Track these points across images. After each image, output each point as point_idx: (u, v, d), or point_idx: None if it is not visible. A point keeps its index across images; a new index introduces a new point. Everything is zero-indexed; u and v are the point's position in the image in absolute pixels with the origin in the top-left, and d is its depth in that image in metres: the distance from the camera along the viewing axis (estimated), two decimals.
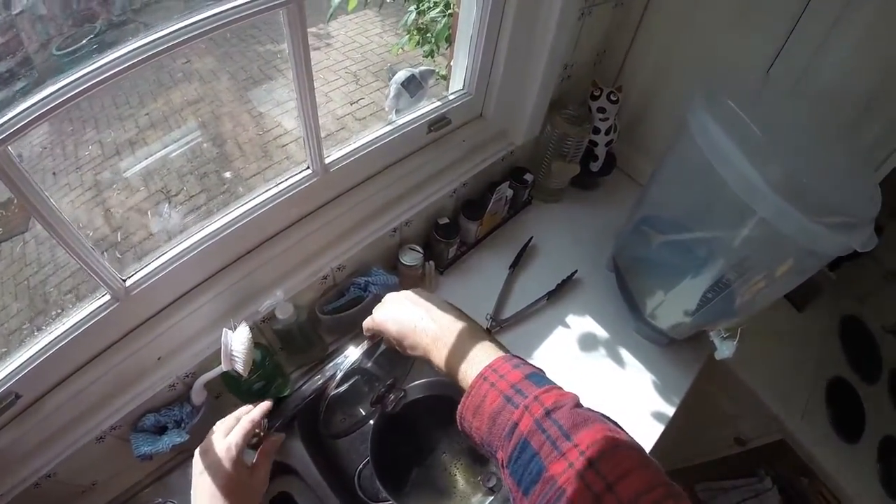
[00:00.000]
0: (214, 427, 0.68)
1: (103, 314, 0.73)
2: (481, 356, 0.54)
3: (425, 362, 0.60)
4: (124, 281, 0.74)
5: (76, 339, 0.72)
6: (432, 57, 1.74)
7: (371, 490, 0.89)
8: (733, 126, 0.76)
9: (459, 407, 0.51)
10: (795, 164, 0.76)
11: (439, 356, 0.58)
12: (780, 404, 1.18)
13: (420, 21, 1.79)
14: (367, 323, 0.67)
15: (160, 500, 0.86)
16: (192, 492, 0.63)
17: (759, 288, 0.91)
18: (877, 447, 1.22)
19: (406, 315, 0.62)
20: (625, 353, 1.07)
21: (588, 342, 1.07)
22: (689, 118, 0.83)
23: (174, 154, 1.50)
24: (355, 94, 2.03)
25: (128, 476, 0.87)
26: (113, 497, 0.85)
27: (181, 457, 0.89)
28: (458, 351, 0.57)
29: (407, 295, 0.65)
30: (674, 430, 1.44)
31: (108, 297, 0.74)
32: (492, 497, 0.90)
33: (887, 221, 1.32)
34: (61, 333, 0.71)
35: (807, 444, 1.16)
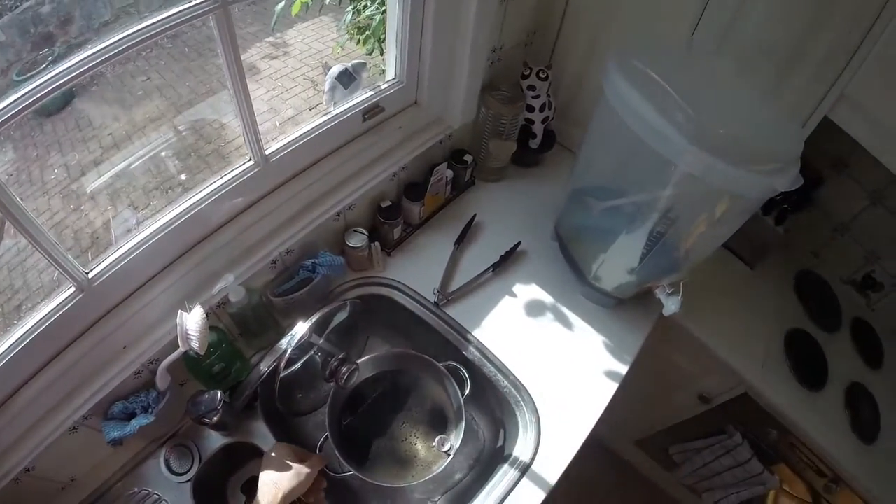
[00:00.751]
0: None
1: (69, 305, 0.83)
2: None
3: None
4: (87, 273, 0.84)
5: (44, 332, 0.81)
6: (374, 54, 1.85)
7: (332, 464, 0.96)
8: (648, 87, 0.84)
9: None
10: (714, 118, 0.82)
11: None
12: (738, 358, 1.26)
13: (358, 20, 1.90)
14: None
15: (136, 489, 0.95)
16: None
17: (695, 239, 1.00)
18: (843, 394, 1.30)
19: None
20: (574, 318, 1.16)
21: (536, 309, 1.17)
22: (604, 82, 0.91)
23: (139, 171, 1.60)
24: (314, 100, 2.15)
25: (104, 469, 0.95)
26: (91, 491, 0.93)
27: (152, 446, 0.98)
28: None
29: None
30: (641, 397, 1.54)
31: (73, 290, 0.83)
32: (449, 459, 0.99)
33: (830, 173, 1.40)
34: (30, 328, 0.80)
35: (769, 395, 1.24)
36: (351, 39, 1.91)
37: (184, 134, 1.71)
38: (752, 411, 1.30)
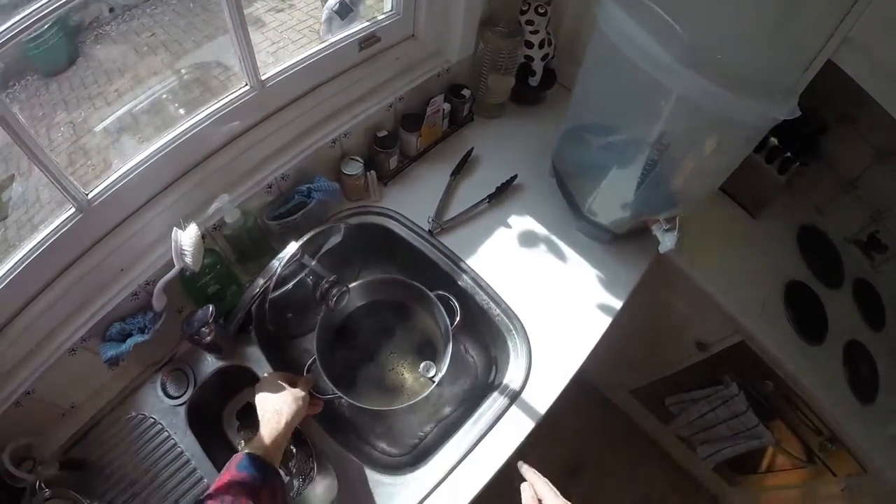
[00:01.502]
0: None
1: (69, 226, 0.86)
2: None
3: None
4: (87, 194, 0.86)
5: (44, 253, 0.84)
6: None
7: (316, 386, 0.97)
8: (642, 13, 0.84)
9: None
10: (712, 44, 0.82)
11: None
12: (737, 305, 1.26)
13: None
14: None
15: (133, 413, 0.98)
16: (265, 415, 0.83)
17: (690, 171, 1.01)
18: (841, 351, 1.30)
19: None
20: (569, 251, 1.18)
21: (531, 241, 1.19)
22: (597, 9, 0.92)
23: (141, 113, 1.61)
24: None
25: (102, 395, 0.99)
26: (90, 417, 0.97)
27: (149, 371, 1.01)
28: None
29: None
30: (638, 343, 1.55)
31: (72, 210, 0.86)
32: (433, 385, 1.01)
33: (836, 127, 1.39)
34: (30, 249, 0.84)
35: (767, 344, 1.24)
36: None
37: (185, 77, 1.72)
38: (749, 362, 1.31)
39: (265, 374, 0.91)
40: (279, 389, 0.86)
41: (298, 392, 0.86)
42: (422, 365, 1.03)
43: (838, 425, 1.21)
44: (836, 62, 1.05)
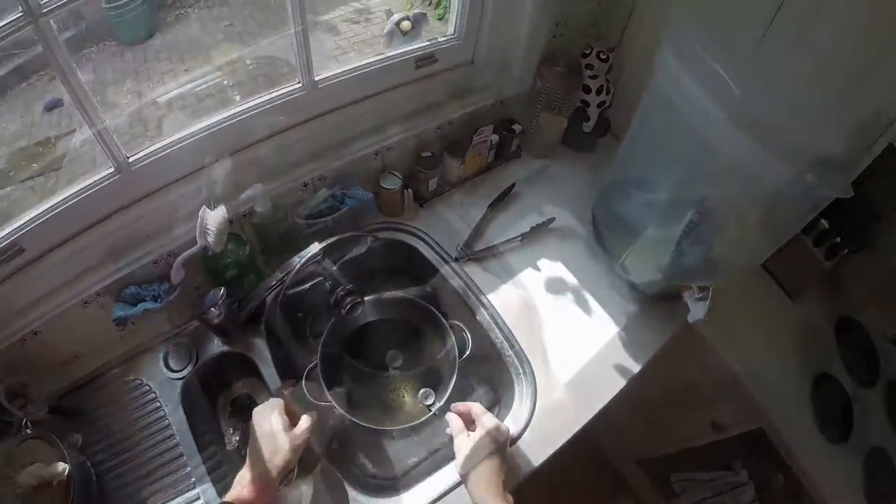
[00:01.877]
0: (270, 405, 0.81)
1: (106, 183, 0.90)
2: None
3: None
4: (128, 157, 0.90)
5: (80, 203, 0.88)
6: (444, 18, 1.89)
7: (316, 391, 0.97)
8: (701, 70, 0.84)
9: None
10: (769, 109, 0.80)
11: None
12: (762, 390, 1.20)
13: None
14: None
15: (132, 377, 1.00)
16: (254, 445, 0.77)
17: (728, 241, 0.98)
18: (864, 456, 1.22)
19: None
20: (595, 305, 1.15)
21: (558, 287, 1.16)
22: (657, 61, 0.92)
23: (204, 103, 1.68)
24: None
25: (105, 352, 1.01)
26: (90, 371, 0.99)
27: (154, 341, 1.03)
28: None
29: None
30: (652, 413, 1.50)
31: (112, 169, 0.90)
32: (430, 414, 0.99)
33: (891, 216, 1.31)
34: (68, 196, 0.87)
35: (786, 437, 1.18)
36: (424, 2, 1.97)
37: (251, 68, 1.79)
38: (764, 451, 1.25)
39: (268, 402, 0.81)
40: (277, 430, 0.76)
41: (297, 438, 0.76)
42: (421, 391, 1.02)
43: None
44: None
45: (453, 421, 0.85)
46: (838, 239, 1.27)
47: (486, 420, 0.83)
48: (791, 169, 0.76)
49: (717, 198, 0.91)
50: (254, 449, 0.75)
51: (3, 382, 0.85)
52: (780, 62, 0.85)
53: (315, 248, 0.88)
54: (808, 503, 1.21)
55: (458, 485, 0.93)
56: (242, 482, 0.72)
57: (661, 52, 0.90)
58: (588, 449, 2.00)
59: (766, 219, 0.91)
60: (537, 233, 1.21)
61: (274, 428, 0.76)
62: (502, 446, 0.81)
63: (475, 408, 0.85)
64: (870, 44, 0.84)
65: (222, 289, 0.90)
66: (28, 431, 0.84)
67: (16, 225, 0.84)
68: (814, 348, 1.33)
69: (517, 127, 1.27)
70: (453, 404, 0.88)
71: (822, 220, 1.27)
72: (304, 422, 0.79)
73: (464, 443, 0.80)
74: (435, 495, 0.91)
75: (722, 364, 1.22)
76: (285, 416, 0.78)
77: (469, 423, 0.85)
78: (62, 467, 0.81)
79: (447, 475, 0.94)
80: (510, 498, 0.76)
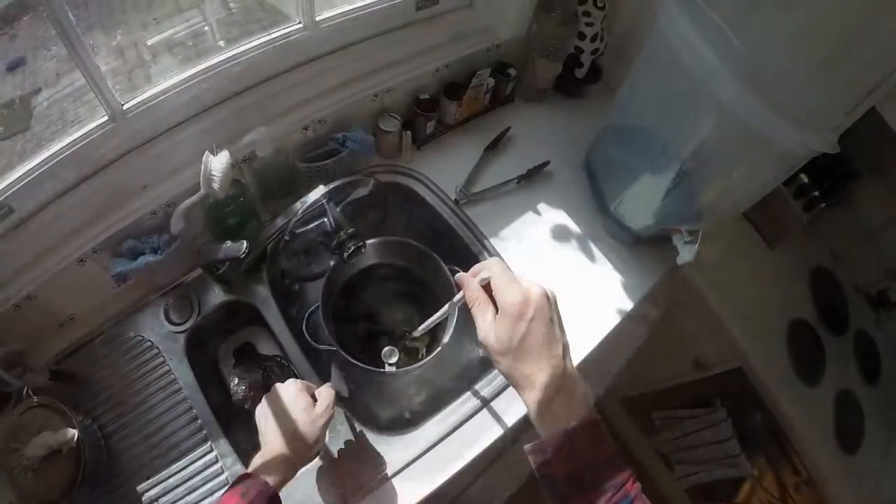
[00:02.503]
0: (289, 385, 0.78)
1: (99, 133, 0.86)
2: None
3: None
4: (122, 104, 0.86)
5: (71, 155, 0.85)
6: None
7: (316, 334, 0.97)
8: (703, 22, 0.85)
9: (569, 423, 0.52)
10: (764, 64, 0.83)
11: None
12: (742, 331, 1.27)
13: None
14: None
15: (132, 334, 0.99)
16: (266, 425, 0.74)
17: (718, 189, 1.02)
18: (834, 398, 1.32)
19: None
20: (590, 246, 1.19)
21: (554, 230, 1.20)
22: (659, 13, 0.93)
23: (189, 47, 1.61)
24: None
25: (103, 311, 0.99)
26: (88, 331, 0.98)
27: (153, 295, 1.02)
28: None
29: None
30: (637, 351, 1.56)
31: (105, 118, 0.86)
32: (390, 369, 0.99)
33: (868, 176, 1.41)
34: (59, 149, 0.84)
35: (763, 375, 1.26)
36: None
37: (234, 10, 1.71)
38: (743, 390, 1.33)
39: (288, 382, 0.78)
40: (305, 408, 0.74)
41: (323, 415, 0.75)
42: (385, 349, 1.01)
43: (817, 469, 1.24)
44: (879, 111, 1.06)
45: (469, 286, 0.60)
46: (816, 193, 1.34)
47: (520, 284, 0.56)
48: (784, 121, 0.80)
49: (711, 147, 0.93)
50: (284, 429, 0.72)
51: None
52: (771, 19, 0.87)
53: (320, 191, 0.86)
54: (783, 439, 1.30)
55: (469, 417, 0.97)
56: (275, 462, 0.69)
57: (664, 1, 0.92)
58: None
59: (755, 169, 0.94)
60: (532, 176, 1.23)
61: (301, 406, 0.74)
62: (548, 305, 0.56)
63: (495, 266, 0.58)
64: (859, 7, 0.86)
65: (244, 243, 0.88)
66: (33, 400, 0.83)
67: (2, 185, 0.80)
68: (790, 295, 1.42)
69: (512, 71, 1.28)
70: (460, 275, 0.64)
71: (802, 175, 1.34)
72: (326, 397, 0.78)
73: (487, 314, 0.57)
74: (440, 435, 0.95)
75: (705, 305, 1.28)
76: (307, 394, 0.77)
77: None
78: (71, 433, 0.80)
79: (450, 415, 0.97)
80: (574, 375, 0.55)
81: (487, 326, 0.56)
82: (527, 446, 0.54)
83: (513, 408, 0.98)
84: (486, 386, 1.00)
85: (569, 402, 0.53)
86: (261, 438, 0.74)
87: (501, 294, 0.55)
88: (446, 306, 0.69)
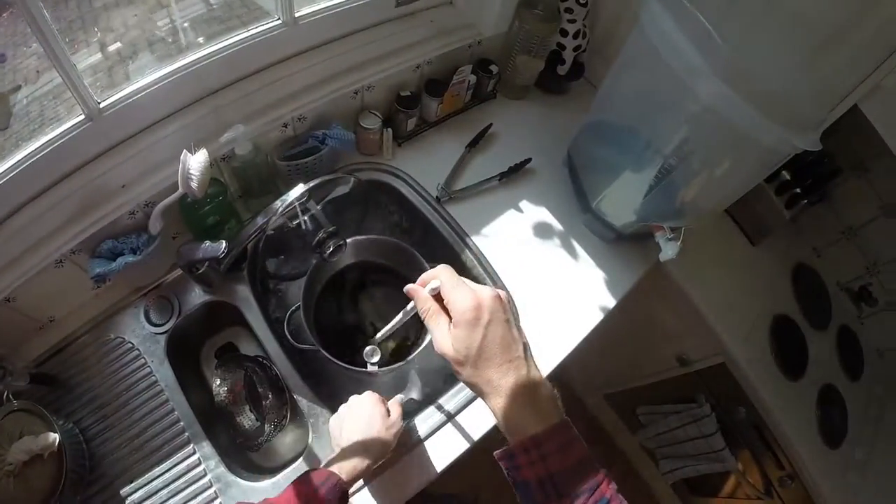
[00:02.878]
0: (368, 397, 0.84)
1: (75, 132, 0.85)
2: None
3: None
4: (99, 103, 0.85)
5: (47, 155, 0.83)
6: None
7: (297, 334, 0.99)
8: (685, 19, 0.85)
9: (537, 428, 0.51)
10: (746, 61, 0.83)
11: None
12: (724, 326, 1.28)
13: None
14: None
15: (112, 335, 0.98)
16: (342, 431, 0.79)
17: (701, 186, 1.03)
18: (817, 393, 1.33)
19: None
20: (572, 244, 1.20)
21: (536, 227, 1.21)
22: (642, 11, 0.93)
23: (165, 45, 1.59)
24: None
25: (83, 313, 0.98)
26: (67, 334, 0.97)
27: (133, 296, 1.01)
28: None
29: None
30: (620, 348, 1.58)
31: (82, 117, 0.85)
32: (373, 369, 0.98)
33: (849, 173, 1.43)
34: (35, 149, 0.83)
35: (746, 371, 1.26)
36: None
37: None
38: (726, 385, 1.34)
39: (366, 394, 0.85)
40: (381, 418, 0.80)
41: (395, 425, 0.82)
42: (367, 349, 0.99)
43: (801, 464, 1.25)
44: (861, 108, 1.07)
45: (419, 298, 0.58)
46: (798, 190, 1.35)
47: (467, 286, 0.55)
48: (766, 120, 0.80)
49: (693, 144, 0.94)
50: (364, 434, 0.78)
51: None
52: (754, 16, 0.88)
53: (299, 189, 0.86)
54: (767, 433, 1.32)
55: (444, 424, 0.97)
56: (351, 462, 0.73)
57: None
58: (557, 383, 2.08)
59: (737, 166, 0.95)
60: (514, 173, 1.24)
61: (378, 416, 0.80)
62: (502, 307, 0.54)
63: (443, 274, 0.57)
64: (842, 4, 0.87)
65: (223, 243, 0.87)
66: (13, 404, 0.82)
67: None
68: (773, 291, 1.43)
69: (494, 68, 1.28)
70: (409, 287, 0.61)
71: (784, 172, 1.35)
72: (396, 408, 0.85)
73: (441, 324, 0.56)
74: (425, 433, 0.95)
75: (687, 302, 1.29)
76: (382, 406, 0.83)
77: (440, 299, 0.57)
78: (52, 438, 0.79)
79: (435, 413, 0.97)
80: (537, 376, 0.54)
81: (443, 336, 0.55)
82: (496, 452, 0.53)
83: None
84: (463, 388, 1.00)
85: (535, 406, 0.52)
86: (334, 443, 0.80)
87: (453, 301, 0.54)
88: (400, 314, 0.68)
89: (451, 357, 0.54)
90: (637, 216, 1.11)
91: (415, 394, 1.10)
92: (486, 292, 0.54)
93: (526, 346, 0.55)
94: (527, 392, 0.52)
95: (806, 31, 0.94)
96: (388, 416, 0.82)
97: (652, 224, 1.12)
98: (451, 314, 0.54)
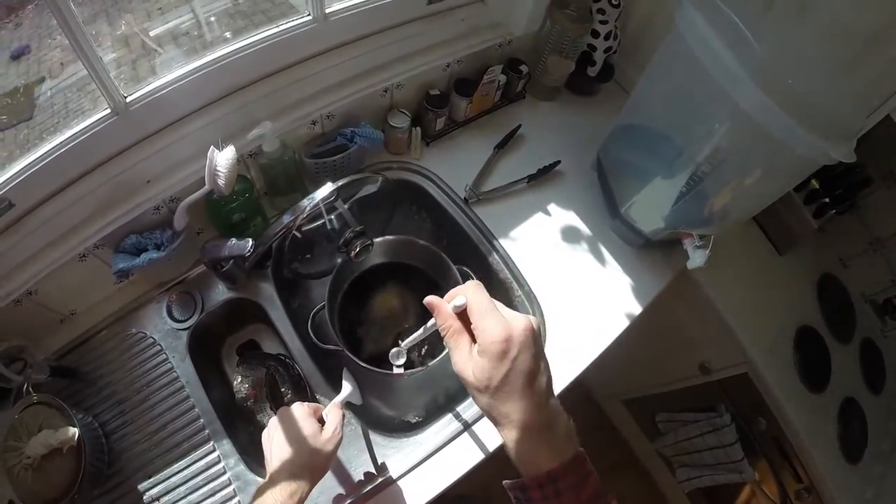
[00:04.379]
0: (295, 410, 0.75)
1: (101, 126, 0.84)
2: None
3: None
4: (125, 97, 0.84)
5: (73, 149, 0.83)
6: None
7: (321, 333, 0.95)
8: (722, 24, 0.83)
9: (549, 465, 0.48)
10: (783, 69, 0.80)
11: None
12: (748, 336, 1.26)
13: None
14: None
15: (133, 330, 0.98)
16: (271, 452, 0.71)
17: (731, 195, 1.00)
18: (838, 406, 1.31)
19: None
20: (599, 248, 1.18)
21: (564, 231, 1.19)
22: (678, 12, 0.91)
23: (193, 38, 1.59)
24: None
25: (104, 307, 0.98)
26: (89, 327, 0.97)
27: (156, 291, 1.00)
28: None
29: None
30: (642, 354, 1.55)
31: (108, 111, 0.84)
32: (399, 371, 0.93)
33: (880, 183, 1.40)
34: (60, 142, 0.82)
35: (769, 382, 1.24)
36: None
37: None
38: (748, 395, 1.32)
39: (292, 407, 0.75)
40: (310, 435, 0.71)
41: (331, 441, 0.73)
42: (392, 350, 0.97)
43: (819, 477, 1.23)
44: (894, 118, 1.04)
45: (441, 314, 0.55)
46: (827, 199, 1.32)
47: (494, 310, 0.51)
48: (802, 128, 0.78)
49: (727, 152, 0.91)
50: (289, 456, 0.69)
51: None
52: (791, 22, 0.85)
53: (328, 188, 0.84)
54: (786, 445, 1.29)
55: (465, 429, 0.95)
56: (289, 487, 0.66)
57: (682, 1, 0.89)
58: (577, 389, 2.07)
59: (770, 175, 0.93)
60: (543, 175, 1.22)
61: (307, 433, 0.71)
62: (532, 340, 0.51)
63: (472, 294, 0.53)
64: (879, 10, 0.85)
65: (250, 241, 0.87)
66: (33, 397, 0.82)
67: (2, 179, 0.78)
68: (798, 302, 1.40)
69: (524, 68, 1.26)
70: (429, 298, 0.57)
71: (813, 181, 1.32)
72: (334, 420, 0.75)
73: (462, 346, 0.52)
74: (448, 436, 0.94)
75: (713, 310, 1.26)
76: (314, 419, 0.74)
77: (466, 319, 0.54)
78: (71, 432, 0.79)
79: (458, 417, 0.97)
80: (555, 410, 0.51)
81: (464, 360, 0.51)
82: (506, 482, 0.51)
83: None
84: None
85: (551, 441, 0.49)
86: (266, 464, 0.71)
87: (481, 328, 0.50)
88: (421, 330, 0.65)
89: (471, 383, 0.51)
90: (666, 223, 1.08)
91: (441, 398, 1.09)
92: (518, 323, 0.50)
93: (549, 379, 0.52)
94: (543, 427, 0.49)
95: (845, 35, 0.92)
96: (322, 428, 0.74)
97: (681, 231, 1.10)
98: (478, 340, 0.51)
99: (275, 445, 0.71)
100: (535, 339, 0.51)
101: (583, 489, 0.48)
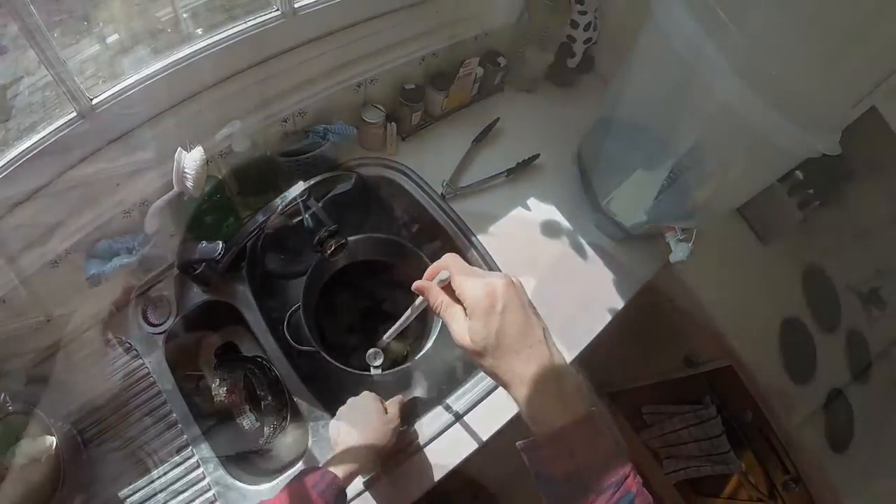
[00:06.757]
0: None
1: (67, 130, 0.82)
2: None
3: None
4: (91, 99, 0.82)
5: (40, 154, 0.81)
6: None
7: (297, 335, 0.97)
8: (702, 13, 0.81)
9: (564, 419, 0.48)
10: (766, 60, 0.79)
11: None
12: (733, 328, 1.26)
13: None
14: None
15: (109, 336, 0.96)
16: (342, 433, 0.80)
17: (714, 187, 0.99)
18: (824, 396, 1.32)
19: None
20: (580, 243, 1.18)
21: (544, 225, 1.18)
22: (655, 2, 0.90)
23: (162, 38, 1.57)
24: None
25: (80, 313, 0.96)
26: (65, 334, 0.95)
27: (131, 294, 0.98)
28: None
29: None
30: (628, 347, 1.55)
31: (73, 115, 0.82)
32: (377, 372, 0.98)
33: (864, 175, 1.40)
34: (25, 148, 0.80)
35: (754, 373, 1.25)
36: None
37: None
38: (733, 387, 1.33)
39: (364, 394, 0.86)
40: (379, 416, 0.82)
41: (392, 421, 0.83)
42: (369, 351, 0.98)
43: (806, 468, 1.24)
44: (879, 109, 1.04)
45: (430, 292, 0.56)
46: (811, 191, 1.32)
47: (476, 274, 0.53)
48: (785, 120, 0.77)
49: (708, 144, 0.91)
50: (361, 432, 0.79)
51: None
52: (773, 11, 0.84)
53: (300, 187, 0.84)
54: (773, 436, 1.30)
55: (448, 427, 0.95)
56: (347, 460, 0.75)
57: None
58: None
59: (753, 167, 0.92)
60: (522, 169, 1.21)
61: (375, 413, 0.82)
62: (515, 292, 0.52)
63: (451, 263, 0.54)
64: (858, 7, 0.83)
65: (220, 244, 0.86)
66: (9, 407, 0.81)
67: None
68: (783, 293, 1.41)
69: (502, 60, 1.25)
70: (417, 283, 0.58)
71: (798, 172, 1.32)
72: (395, 406, 0.86)
73: (457, 315, 0.53)
74: (428, 436, 0.94)
75: (696, 302, 1.26)
76: (380, 404, 0.84)
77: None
78: (49, 441, 0.79)
79: (440, 416, 0.96)
80: (560, 363, 0.52)
81: (460, 328, 0.52)
82: (519, 443, 0.51)
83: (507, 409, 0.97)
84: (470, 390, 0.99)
85: (561, 397, 0.49)
86: (332, 443, 0.80)
87: (464, 292, 0.51)
88: (409, 311, 0.66)
89: (471, 348, 0.51)
90: (648, 216, 1.08)
91: (420, 395, 1.08)
92: (497, 279, 0.51)
93: (545, 330, 0.52)
94: (552, 381, 0.50)
95: (828, 24, 0.90)
96: (386, 413, 0.83)
97: (663, 224, 1.09)
98: (465, 305, 0.52)
99: (345, 422, 0.81)
100: (518, 291, 0.52)
101: (596, 447, 0.48)
